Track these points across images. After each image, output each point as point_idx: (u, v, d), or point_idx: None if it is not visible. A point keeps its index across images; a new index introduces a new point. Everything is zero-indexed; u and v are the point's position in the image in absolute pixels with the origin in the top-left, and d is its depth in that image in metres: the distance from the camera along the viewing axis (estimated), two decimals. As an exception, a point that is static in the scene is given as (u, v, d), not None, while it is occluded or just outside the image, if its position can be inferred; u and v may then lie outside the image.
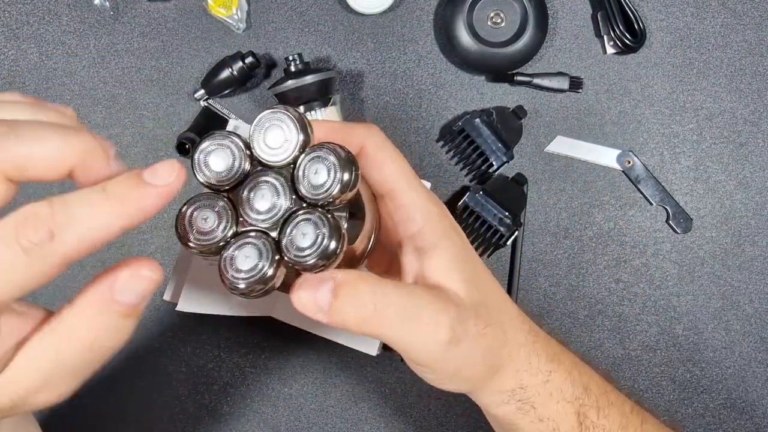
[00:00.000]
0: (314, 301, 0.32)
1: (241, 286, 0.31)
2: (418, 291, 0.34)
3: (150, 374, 0.66)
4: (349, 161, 0.31)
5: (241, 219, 0.32)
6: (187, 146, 0.60)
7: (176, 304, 0.58)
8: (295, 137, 0.31)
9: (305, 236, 0.30)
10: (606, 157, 0.65)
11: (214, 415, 0.66)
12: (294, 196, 0.32)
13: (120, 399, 0.66)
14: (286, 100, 0.61)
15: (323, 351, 0.66)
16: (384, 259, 0.42)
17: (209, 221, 0.32)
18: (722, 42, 0.65)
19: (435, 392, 0.66)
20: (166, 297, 0.60)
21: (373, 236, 0.38)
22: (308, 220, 0.30)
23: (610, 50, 0.64)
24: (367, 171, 0.37)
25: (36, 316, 0.28)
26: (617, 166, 0.65)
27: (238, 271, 0.31)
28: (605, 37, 0.64)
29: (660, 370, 0.65)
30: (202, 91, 0.64)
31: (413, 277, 0.37)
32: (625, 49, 0.63)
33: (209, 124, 0.64)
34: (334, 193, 0.30)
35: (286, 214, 0.31)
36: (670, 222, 0.64)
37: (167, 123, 0.66)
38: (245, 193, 0.32)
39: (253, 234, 0.31)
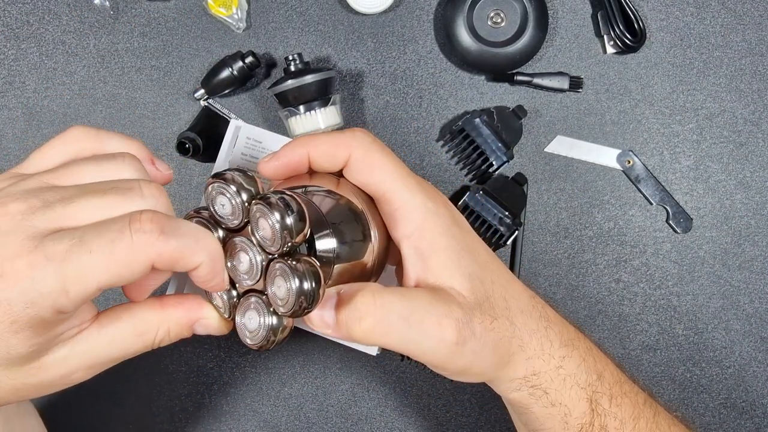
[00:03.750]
0: (321, 318, 0.34)
1: (258, 343, 0.33)
2: (419, 295, 0.35)
3: (150, 374, 0.66)
4: (285, 204, 0.31)
5: (237, 286, 0.35)
6: (187, 146, 0.60)
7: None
8: (237, 200, 0.33)
9: (280, 288, 0.32)
10: (606, 156, 0.65)
11: (214, 415, 0.66)
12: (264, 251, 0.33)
13: (120, 399, 0.66)
14: (286, 99, 0.61)
15: (323, 351, 0.66)
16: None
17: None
18: (722, 42, 0.65)
19: (435, 392, 0.66)
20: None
21: (380, 245, 0.38)
22: (278, 271, 0.32)
23: (610, 50, 0.64)
24: (357, 178, 0.37)
25: (93, 303, 0.31)
26: (617, 166, 0.65)
27: (251, 332, 0.33)
28: (605, 37, 0.64)
29: (660, 369, 0.65)
30: (202, 91, 0.64)
31: (415, 279, 0.37)
32: (625, 49, 0.63)
33: (209, 123, 0.64)
34: (284, 240, 0.31)
35: (263, 270, 0.33)
36: (670, 222, 0.64)
37: (167, 123, 0.66)
38: (229, 262, 0.34)
39: (250, 296, 0.34)
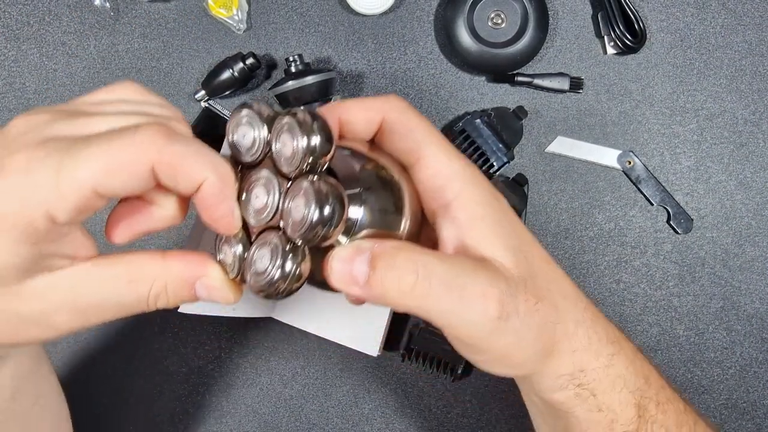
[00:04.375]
0: (349, 273, 0.30)
1: (263, 287, 0.29)
2: (462, 261, 0.31)
3: (150, 374, 0.66)
4: (313, 117, 0.29)
5: (248, 243, 0.31)
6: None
7: (178, 306, 0.58)
8: (260, 133, 0.30)
9: (297, 208, 0.28)
10: (606, 157, 0.65)
11: (214, 416, 0.66)
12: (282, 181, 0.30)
13: (120, 399, 0.66)
14: (286, 100, 0.61)
15: (324, 352, 0.66)
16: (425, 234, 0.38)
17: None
18: (723, 42, 0.65)
19: (436, 393, 0.66)
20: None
21: (413, 216, 0.35)
22: (298, 190, 0.29)
23: (610, 51, 0.64)
24: (392, 141, 0.34)
25: (94, 244, 0.29)
26: (618, 167, 0.65)
27: (258, 273, 0.29)
28: (606, 38, 0.64)
29: (661, 370, 0.65)
30: (203, 92, 0.64)
31: (453, 249, 0.33)
32: (625, 50, 0.63)
33: (210, 124, 0.64)
34: (303, 150, 0.28)
35: (281, 197, 0.30)
36: (671, 222, 0.64)
37: (168, 124, 0.66)
38: (243, 207, 0.31)
39: (264, 234, 0.30)
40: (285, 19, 0.66)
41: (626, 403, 0.36)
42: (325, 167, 0.29)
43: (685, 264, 0.65)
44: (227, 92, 0.64)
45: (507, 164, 0.64)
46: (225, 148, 0.59)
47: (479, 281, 0.31)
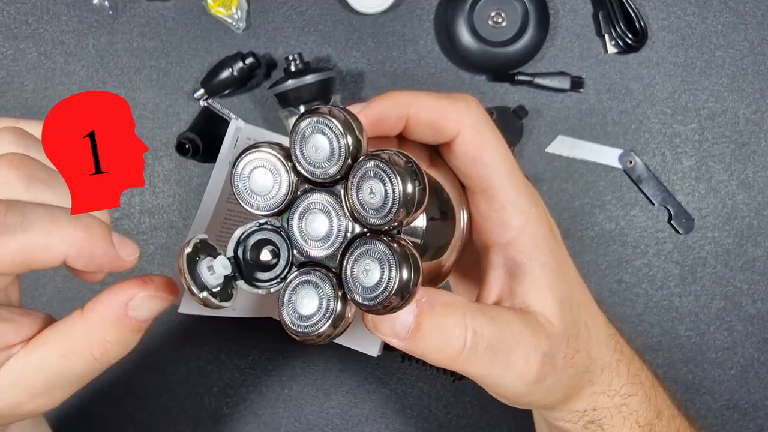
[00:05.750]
0: (392, 323, 0.27)
1: (307, 334, 0.26)
2: (511, 321, 0.29)
3: (150, 375, 0.66)
4: (411, 171, 0.24)
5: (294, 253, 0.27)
6: (186, 146, 0.60)
7: (178, 306, 0.58)
8: (341, 143, 0.25)
9: (369, 272, 0.25)
10: (607, 156, 0.64)
11: (213, 417, 0.66)
12: (349, 219, 0.26)
13: (119, 400, 0.66)
14: (286, 100, 0.60)
15: (324, 352, 0.66)
16: (470, 259, 0.36)
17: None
18: (724, 41, 0.64)
19: (436, 394, 0.65)
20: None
21: (461, 245, 0.32)
22: (369, 251, 0.25)
23: (611, 49, 0.64)
24: (462, 162, 0.30)
25: (35, 321, 0.27)
26: (619, 166, 0.64)
27: (303, 316, 0.26)
28: (606, 37, 0.64)
29: (662, 371, 0.65)
30: (202, 91, 0.64)
31: (498, 294, 0.31)
32: (626, 49, 0.63)
33: (209, 124, 0.64)
34: (397, 214, 0.24)
35: (345, 242, 0.26)
36: (672, 222, 0.64)
37: (167, 123, 0.65)
38: (294, 220, 0.27)
39: (309, 269, 0.26)
40: (284, 18, 0.65)
41: None
42: (412, 221, 0.25)
43: (686, 264, 0.65)
44: (226, 91, 0.64)
45: (507, 164, 0.63)
46: (225, 150, 0.59)
47: (524, 345, 0.29)
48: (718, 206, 0.65)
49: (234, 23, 0.64)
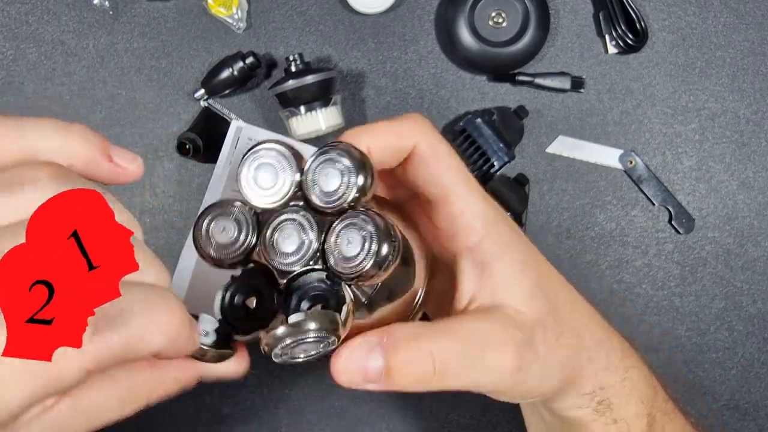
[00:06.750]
0: (363, 371, 0.30)
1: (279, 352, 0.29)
2: (477, 325, 0.31)
3: (150, 376, 0.66)
4: (363, 164, 0.28)
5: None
6: (187, 146, 0.60)
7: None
8: (287, 177, 0.29)
9: (351, 243, 0.27)
10: (608, 157, 0.64)
11: (214, 417, 0.66)
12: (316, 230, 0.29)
13: (119, 401, 0.66)
14: (287, 99, 0.60)
15: (324, 352, 0.66)
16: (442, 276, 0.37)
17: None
18: (725, 41, 0.64)
19: (437, 394, 0.65)
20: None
21: (424, 270, 0.34)
22: (351, 225, 0.27)
23: (612, 50, 0.64)
24: (418, 174, 0.32)
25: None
26: (619, 167, 0.64)
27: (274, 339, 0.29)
28: (607, 37, 0.64)
29: (662, 371, 0.64)
30: (202, 91, 0.64)
31: (470, 295, 0.33)
32: (627, 49, 0.63)
33: (210, 124, 0.64)
34: (349, 193, 0.28)
35: (318, 248, 0.29)
36: (673, 222, 0.64)
37: (167, 123, 0.65)
38: (272, 236, 0.30)
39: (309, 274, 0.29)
40: (285, 17, 0.65)
41: (638, 414, 0.37)
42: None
43: (686, 264, 0.65)
44: (227, 91, 0.64)
45: (508, 164, 0.63)
46: (225, 151, 0.59)
47: (494, 343, 0.31)
48: (718, 206, 0.65)
49: (234, 23, 0.64)
